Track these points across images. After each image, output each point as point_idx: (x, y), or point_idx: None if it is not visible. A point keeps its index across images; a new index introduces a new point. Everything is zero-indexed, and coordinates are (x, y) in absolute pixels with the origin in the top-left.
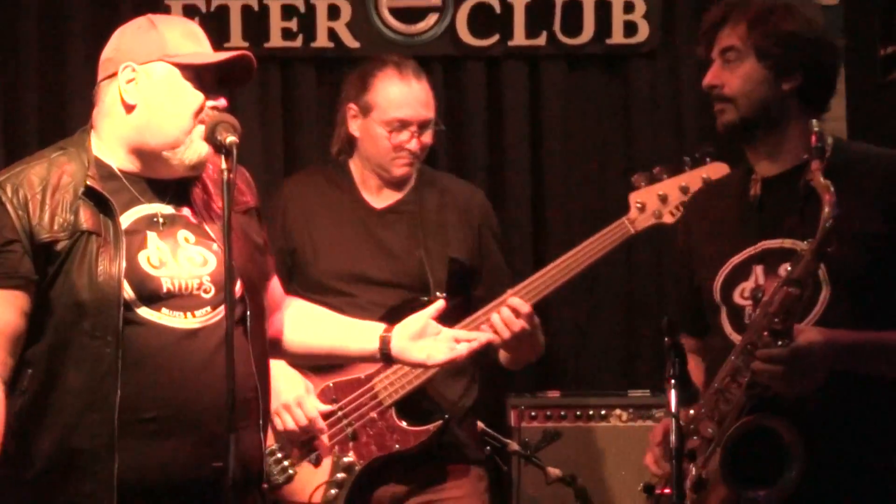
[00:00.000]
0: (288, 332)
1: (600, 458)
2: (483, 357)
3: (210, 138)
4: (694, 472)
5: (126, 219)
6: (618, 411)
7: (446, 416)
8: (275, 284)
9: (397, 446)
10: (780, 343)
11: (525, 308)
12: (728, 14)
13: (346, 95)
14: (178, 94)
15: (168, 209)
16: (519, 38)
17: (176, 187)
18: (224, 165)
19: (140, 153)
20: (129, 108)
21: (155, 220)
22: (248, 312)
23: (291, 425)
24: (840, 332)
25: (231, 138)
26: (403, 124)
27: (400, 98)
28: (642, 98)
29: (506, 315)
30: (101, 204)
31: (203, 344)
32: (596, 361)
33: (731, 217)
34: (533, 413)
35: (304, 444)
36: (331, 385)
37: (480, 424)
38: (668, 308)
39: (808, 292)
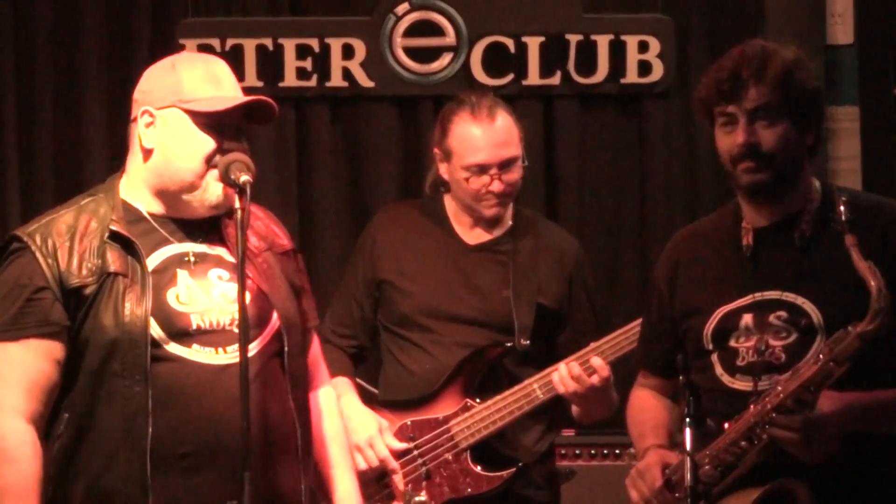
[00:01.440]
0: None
1: (615, 497)
2: (559, 411)
3: (224, 178)
4: None
5: (154, 259)
6: (632, 450)
7: (521, 463)
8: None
9: (469, 490)
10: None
11: (605, 371)
12: (752, 71)
13: (433, 138)
14: (190, 141)
15: (200, 248)
16: (533, 78)
17: (209, 226)
18: (237, 204)
19: (163, 195)
20: (148, 153)
21: (186, 258)
22: (286, 349)
23: (363, 465)
24: (854, 396)
25: (245, 177)
26: (482, 168)
27: (474, 142)
28: (656, 138)
29: (574, 371)
30: (127, 246)
31: (234, 379)
32: None
33: (721, 266)
34: None
35: (377, 480)
36: (408, 423)
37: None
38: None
39: (845, 369)
